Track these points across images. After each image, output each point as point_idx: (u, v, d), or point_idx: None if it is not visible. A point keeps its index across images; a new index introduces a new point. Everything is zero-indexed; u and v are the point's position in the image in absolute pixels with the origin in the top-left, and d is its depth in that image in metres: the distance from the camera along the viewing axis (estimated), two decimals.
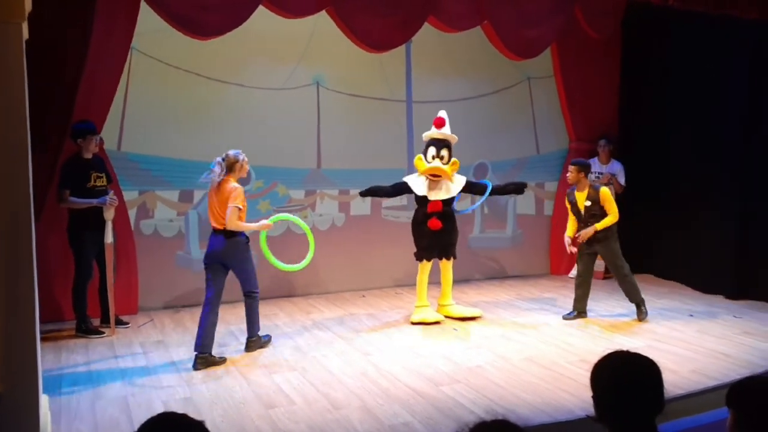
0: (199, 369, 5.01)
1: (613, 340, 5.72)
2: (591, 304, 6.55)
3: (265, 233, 5.54)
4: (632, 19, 7.83)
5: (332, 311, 6.77)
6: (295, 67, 7.19)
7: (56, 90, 5.38)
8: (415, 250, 6.39)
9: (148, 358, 5.32)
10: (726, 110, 7.29)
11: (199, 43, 6.15)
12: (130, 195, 6.59)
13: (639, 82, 8.27)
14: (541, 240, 8.53)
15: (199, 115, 6.83)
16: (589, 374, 2.21)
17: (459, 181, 6.33)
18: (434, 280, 6.52)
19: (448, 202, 6.30)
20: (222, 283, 5.26)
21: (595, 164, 7.89)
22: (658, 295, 7.18)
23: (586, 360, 5.12)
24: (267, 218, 5.57)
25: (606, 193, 6.22)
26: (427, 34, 6.88)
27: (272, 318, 6.40)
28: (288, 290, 7.18)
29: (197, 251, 6.88)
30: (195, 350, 5.10)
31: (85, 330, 5.84)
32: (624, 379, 2.12)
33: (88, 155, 5.83)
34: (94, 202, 5.74)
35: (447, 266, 6.46)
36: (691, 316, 6.55)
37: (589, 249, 6.34)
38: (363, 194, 6.40)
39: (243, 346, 5.51)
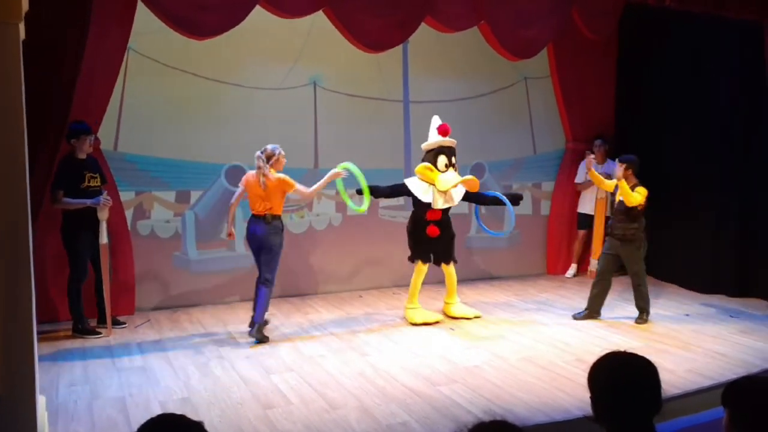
0: (257, 337, 5.63)
1: (610, 340, 5.73)
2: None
3: (340, 181, 6.11)
4: (629, 19, 7.83)
5: (330, 311, 6.78)
6: (292, 67, 7.18)
7: (53, 90, 5.38)
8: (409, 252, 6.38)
9: (146, 359, 5.32)
10: (723, 110, 7.31)
11: (196, 43, 6.14)
12: (126, 195, 6.57)
13: (635, 83, 8.29)
14: (538, 240, 8.53)
15: (196, 115, 6.82)
16: (586, 374, 2.21)
17: (460, 190, 6.29)
18: (434, 281, 6.52)
19: (446, 210, 6.31)
20: None
21: None
22: (655, 295, 7.16)
23: (583, 360, 5.15)
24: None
25: (624, 186, 6.06)
26: (424, 34, 6.87)
27: (270, 318, 6.38)
28: (285, 291, 7.18)
29: (194, 252, 6.89)
30: (256, 320, 5.68)
31: (82, 330, 5.83)
32: (621, 380, 2.13)
33: (82, 155, 5.81)
34: (88, 202, 5.72)
35: (449, 270, 6.46)
36: (687, 315, 6.57)
37: (611, 250, 6.29)
38: (360, 194, 6.38)
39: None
